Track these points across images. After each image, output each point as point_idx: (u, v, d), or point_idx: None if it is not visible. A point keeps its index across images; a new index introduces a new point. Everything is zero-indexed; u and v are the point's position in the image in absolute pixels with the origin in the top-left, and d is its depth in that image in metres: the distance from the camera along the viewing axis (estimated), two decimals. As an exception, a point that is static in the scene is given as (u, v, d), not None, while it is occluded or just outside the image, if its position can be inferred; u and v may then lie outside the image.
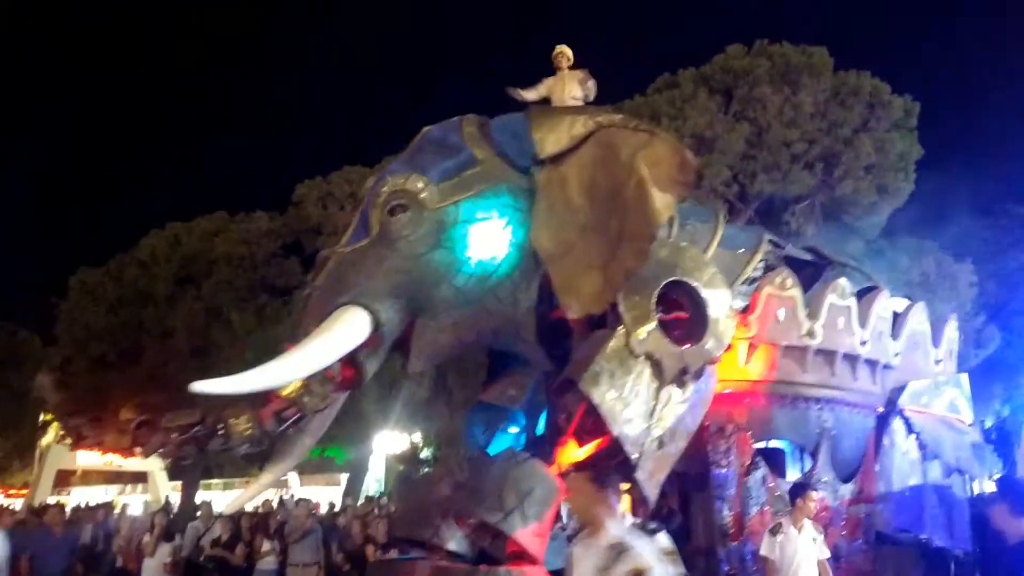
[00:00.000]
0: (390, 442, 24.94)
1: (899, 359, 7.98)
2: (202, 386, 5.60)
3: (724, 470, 6.92)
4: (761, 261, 7.54)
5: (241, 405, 6.11)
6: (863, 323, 7.57)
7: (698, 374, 6.62)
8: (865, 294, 7.92)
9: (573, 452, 6.69)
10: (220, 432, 6.11)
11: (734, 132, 18.46)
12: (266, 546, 10.81)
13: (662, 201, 6.11)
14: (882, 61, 19.32)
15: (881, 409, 7.80)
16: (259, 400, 6.11)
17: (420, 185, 6.36)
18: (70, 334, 24.26)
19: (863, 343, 7.54)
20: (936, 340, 8.49)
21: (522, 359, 7.24)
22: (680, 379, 6.55)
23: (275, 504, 17.98)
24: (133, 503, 24.20)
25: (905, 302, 8.56)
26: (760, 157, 18.55)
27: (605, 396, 6.22)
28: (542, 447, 7.26)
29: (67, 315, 24.57)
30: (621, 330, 6.39)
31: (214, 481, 28.21)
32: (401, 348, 6.62)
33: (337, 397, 6.54)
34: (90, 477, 28.18)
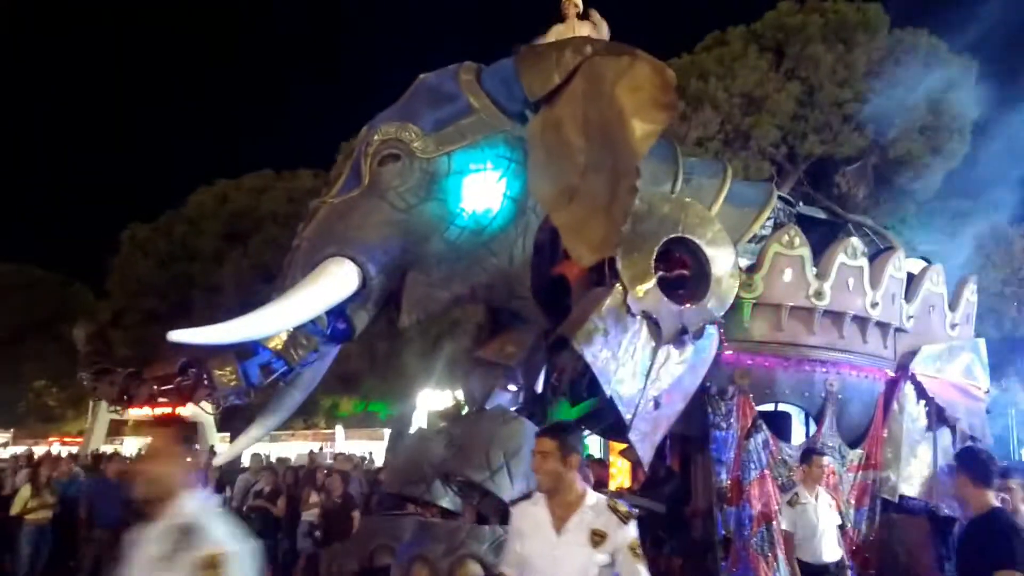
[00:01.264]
0: (433, 399, 24.74)
1: (912, 322, 7.46)
2: (181, 335, 5.32)
3: (724, 432, 6.51)
4: (770, 219, 7.05)
5: (227, 356, 5.83)
6: (875, 284, 7.05)
7: (698, 334, 6.23)
8: (878, 255, 7.39)
9: (567, 412, 6.34)
10: (206, 383, 5.85)
11: (784, 91, 17.66)
12: (313, 498, 10.60)
13: (643, 131, 5.64)
14: (939, 18, 18.23)
15: (892, 373, 7.29)
16: (245, 351, 5.83)
17: (412, 134, 5.97)
18: (121, 288, 24.53)
19: (874, 305, 7.02)
20: (953, 304, 7.93)
21: (521, 316, 6.86)
22: (679, 339, 6.17)
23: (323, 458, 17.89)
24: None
25: (921, 263, 8.00)
26: (811, 117, 17.77)
27: (599, 355, 5.85)
28: (539, 406, 6.93)
29: (118, 269, 24.79)
30: (618, 287, 6.00)
31: None
32: (395, 302, 6.30)
33: (328, 351, 6.23)
34: (142, 427, 28.42)
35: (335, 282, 5.71)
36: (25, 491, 10.80)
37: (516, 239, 6.22)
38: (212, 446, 23.69)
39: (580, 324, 5.88)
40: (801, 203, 7.80)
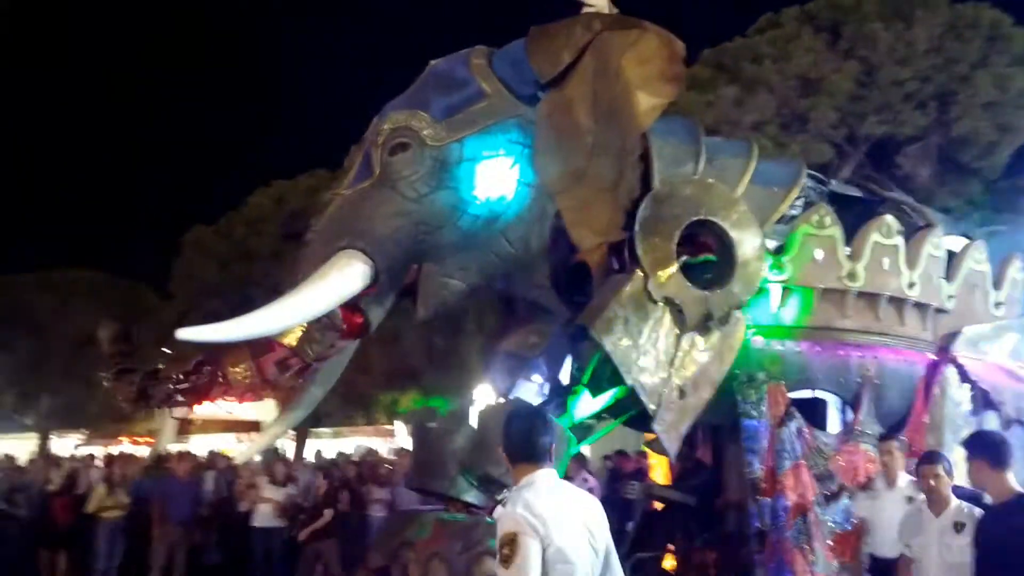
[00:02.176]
0: (490, 394, 24.45)
1: (953, 303, 7.04)
2: (189, 333, 5.19)
3: (755, 421, 6.19)
4: (799, 198, 6.68)
5: (242, 353, 5.70)
6: (912, 264, 6.65)
7: (723, 320, 5.92)
8: (915, 233, 6.99)
9: (587, 403, 6.08)
10: (221, 381, 5.73)
11: (842, 72, 16.90)
12: (377, 494, 10.52)
13: (648, 103, 5.45)
14: None
15: (932, 356, 6.89)
16: (260, 348, 5.69)
17: (423, 122, 5.74)
18: (184, 290, 24.94)
19: (911, 285, 6.63)
20: (997, 282, 7.48)
21: (542, 305, 6.62)
22: (704, 325, 5.88)
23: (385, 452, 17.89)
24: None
25: (963, 241, 7.56)
26: (870, 97, 16.97)
27: (619, 343, 5.60)
28: (564, 398, 6.68)
29: (181, 272, 25.21)
30: (639, 273, 5.73)
31: (323, 430, 28.41)
32: (411, 294, 6.12)
33: (344, 346, 6.06)
34: (208, 426, 28.84)
35: (346, 275, 5.53)
36: (100, 489, 11.10)
37: (532, 226, 5.99)
38: (276, 447, 23.89)
39: (599, 312, 5.64)
40: (833, 181, 7.38)
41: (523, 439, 3.17)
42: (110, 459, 14.50)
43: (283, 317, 5.45)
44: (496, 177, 5.83)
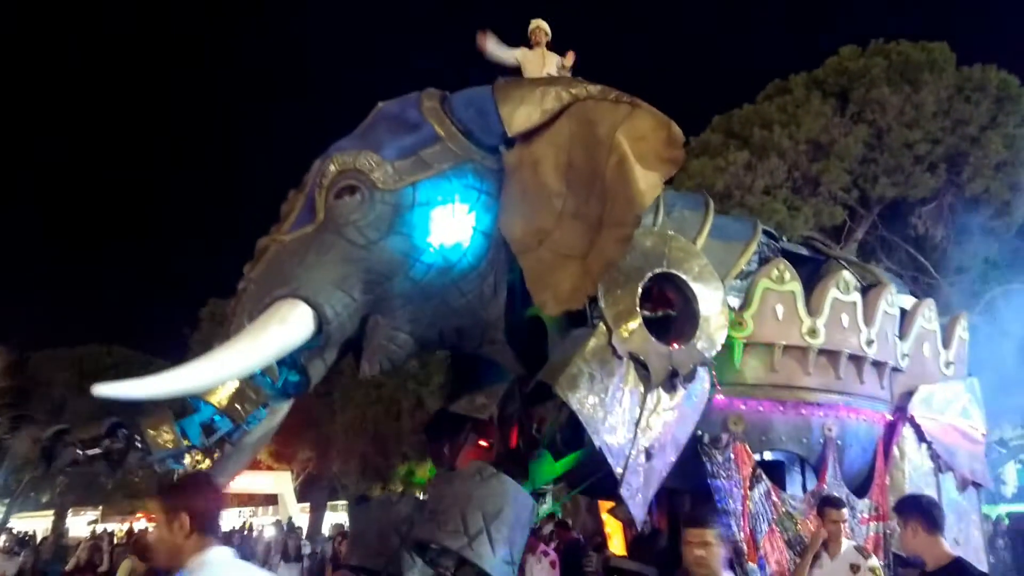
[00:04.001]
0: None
1: (907, 361, 6.88)
2: (107, 389, 4.49)
3: (726, 482, 5.79)
4: (755, 253, 6.45)
5: (163, 414, 5.00)
6: (869, 321, 6.47)
7: (688, 377, 5.56)
8: (869, 290, 6.82)
9: (549, 467, 5.58)
10: (139, 445, 4.99)
11: (851, 135, 16.97)
12: None
13: (647, 181, 5.08)
14: (1009, 53, 17.82)
15: (889, 416, 6.67)
16: (184, 408, 5.01)
17: (372, 163, 5.27)
18: None
19: (870, 343, 6.43)
20: (946, 341, 7.37)
21: (492, 363, 6.12)
22: (668, 383, 5.50)
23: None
24: (264, 524, 23.90)
25: (911, 299, 7.45)
26: (881, 160, 17.03)
27: (585, 401, 5.15)
28: (516, 462, 6.15)
29: (198, 344, 24.11)
30: (602, 328, 5.34)
31: (340, 502, 27.57)
32: (354, 350, 5.54)
33: (279, 406, 5.41)
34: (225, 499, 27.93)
35: (287, 327, 4.93)
36: (127, 564, 10.52)
37: (487, 276, 5.55)
38: (290, 518, 22.54)
39: (563, 368, 5.21)
40: (785, 239, 7.20)
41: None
42: (133, 535, 14.14)
43: (213, 372, 4.79)
44: (451, 224, 5.38)
